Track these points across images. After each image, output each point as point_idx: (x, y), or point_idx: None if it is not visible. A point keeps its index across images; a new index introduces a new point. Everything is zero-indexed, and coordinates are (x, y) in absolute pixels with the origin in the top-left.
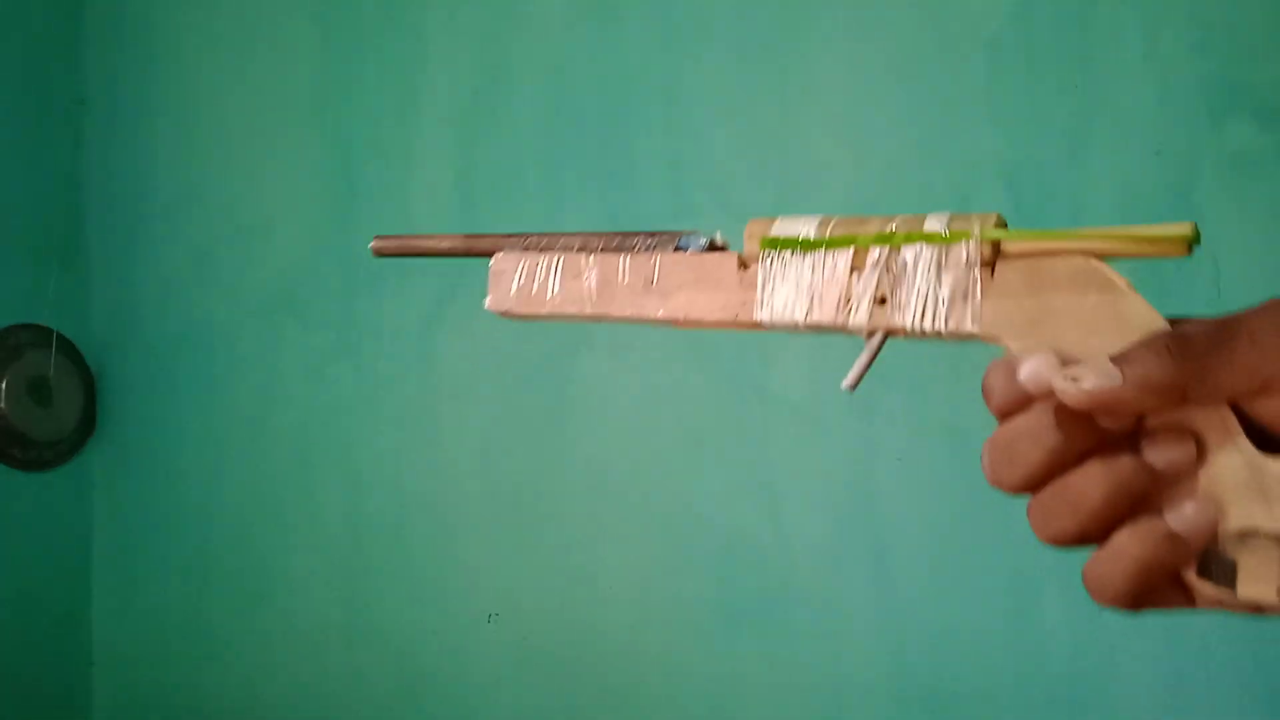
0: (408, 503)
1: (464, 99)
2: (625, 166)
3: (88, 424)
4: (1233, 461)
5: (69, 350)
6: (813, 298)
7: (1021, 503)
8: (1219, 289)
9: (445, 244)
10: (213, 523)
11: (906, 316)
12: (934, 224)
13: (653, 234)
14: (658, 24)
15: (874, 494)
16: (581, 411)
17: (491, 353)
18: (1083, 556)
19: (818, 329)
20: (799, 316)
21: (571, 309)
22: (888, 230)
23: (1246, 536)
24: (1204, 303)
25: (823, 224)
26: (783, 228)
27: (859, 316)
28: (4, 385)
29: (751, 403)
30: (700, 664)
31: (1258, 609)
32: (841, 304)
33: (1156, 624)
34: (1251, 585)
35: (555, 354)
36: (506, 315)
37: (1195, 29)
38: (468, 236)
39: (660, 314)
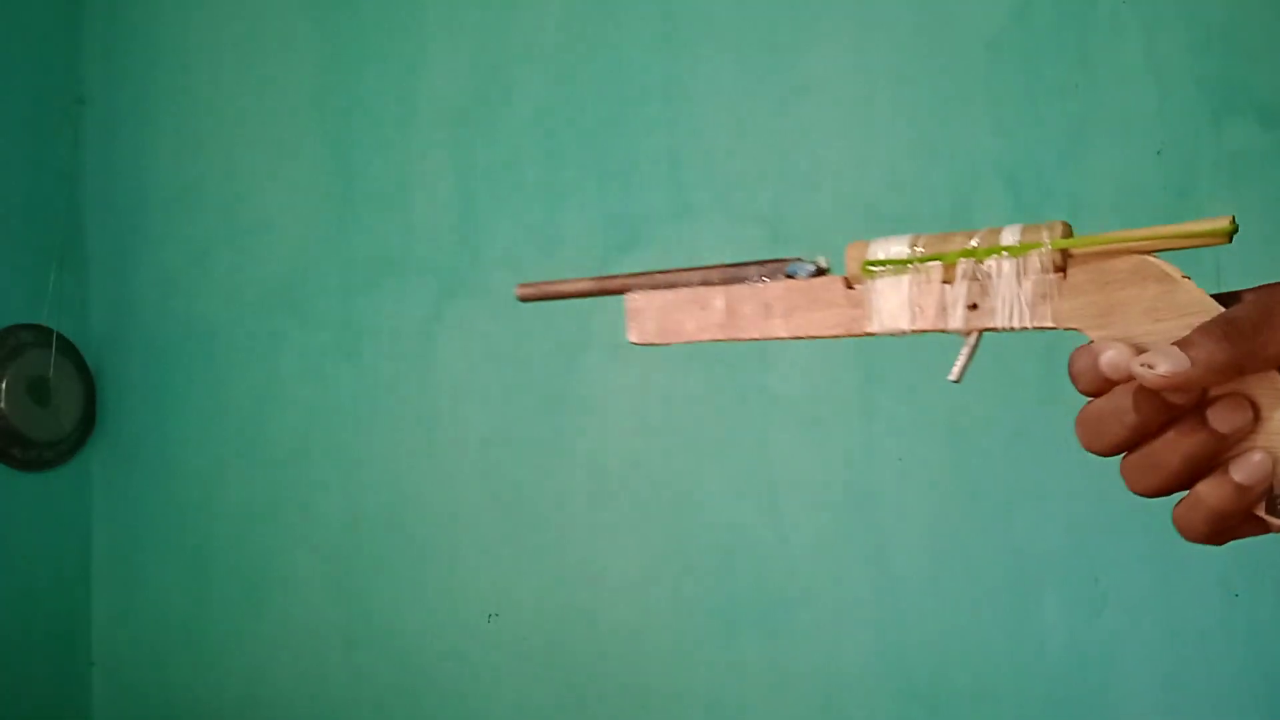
0: (408, 503)
1: (464, 99)
2: (625, 166)
3: (88, 424)
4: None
5: (69, 350)
6: (914, 308)
7: (1020, 503)
8: (1219, 287)
9: (580, 286)
10: (213, 523)
11: (997, 318)
12: (1009, 236)
13: (763, 263)
14: (658, 24)
15: (874, 494)
16: (581, 411)
17: (491, 353)
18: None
19: (921, 333)
20: (905, 325)
21: (705, 336)
22: (970, 245)
23: None
24: None
25: (913, 243)
26: (878, 249)
27: (955, 321)
28: (4, 385)
29: (751, 403)
30: (700, 664)
31: None
32: (939, 312)
33: (1156, 624)
34: None
35: (555, 354)
36: (649, 345)
37: (1195, 29)
38: (599, 279)
39: (783, 333)
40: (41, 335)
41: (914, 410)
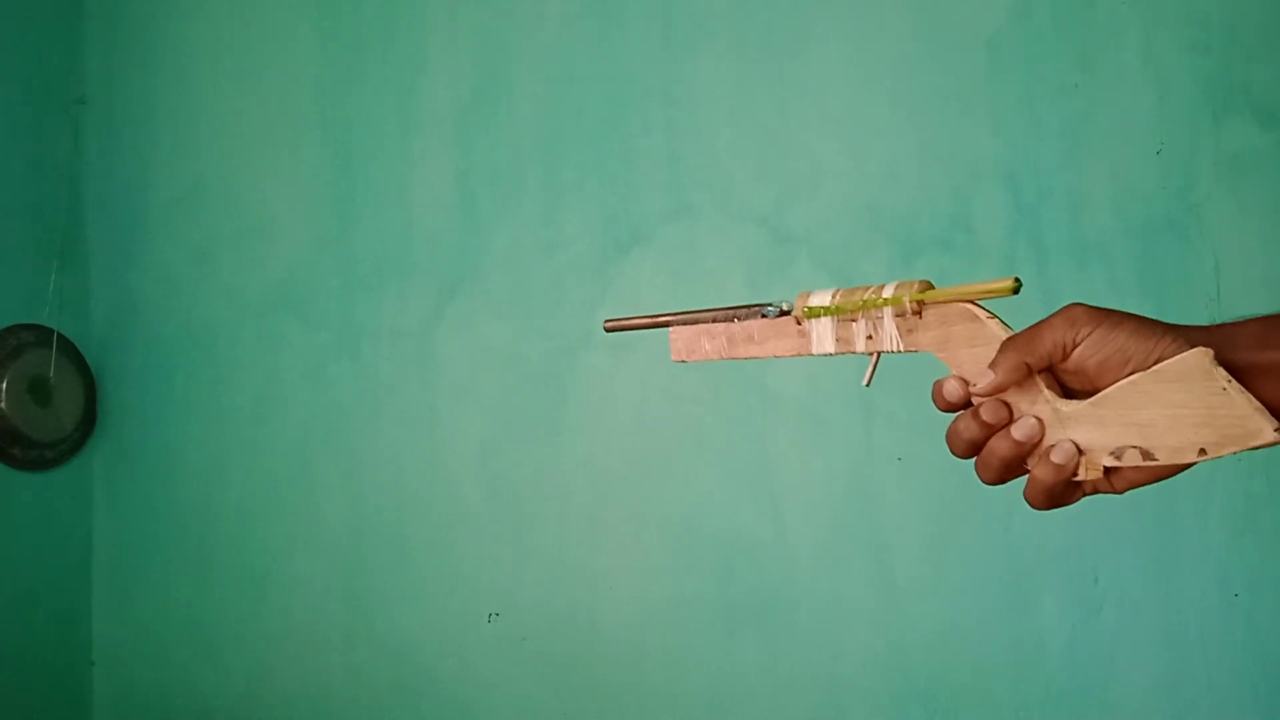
0: (408, 503)
1: (464, 99)
2: (625, 166)
3: (88, 424)
4: (1045, 410)
5: (69, 350)
6: (836, 338)
7: (1020, 503)
8: (1218, 286)
9: (643, 321)
10: (213, 523)
11: (883, 344)
12: (889, 290)
13: (749, 306)
14: (658, 24)
15: (874, 494)
16: (581, 411)
17: (491, 353)
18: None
19: (841, 354)
20: (831, 349)
21: (715, 356)
22: (866, 298)
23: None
24: (1205, 298)
25: (834, 295)
26: (814, 300)
27: (860, 346)
28: (4, 385)
29: (751, 403)
30: (700, 663)
31: (1107, 474)
32: (850, 340)
33: (1156, 624)
34: (1087, 471)
35: (555, 354)
36: (682, 361)
37: (1195, 29)
38: (653, 316)
39: (759, 354)
40: (42, 335)
41: (914, 410)
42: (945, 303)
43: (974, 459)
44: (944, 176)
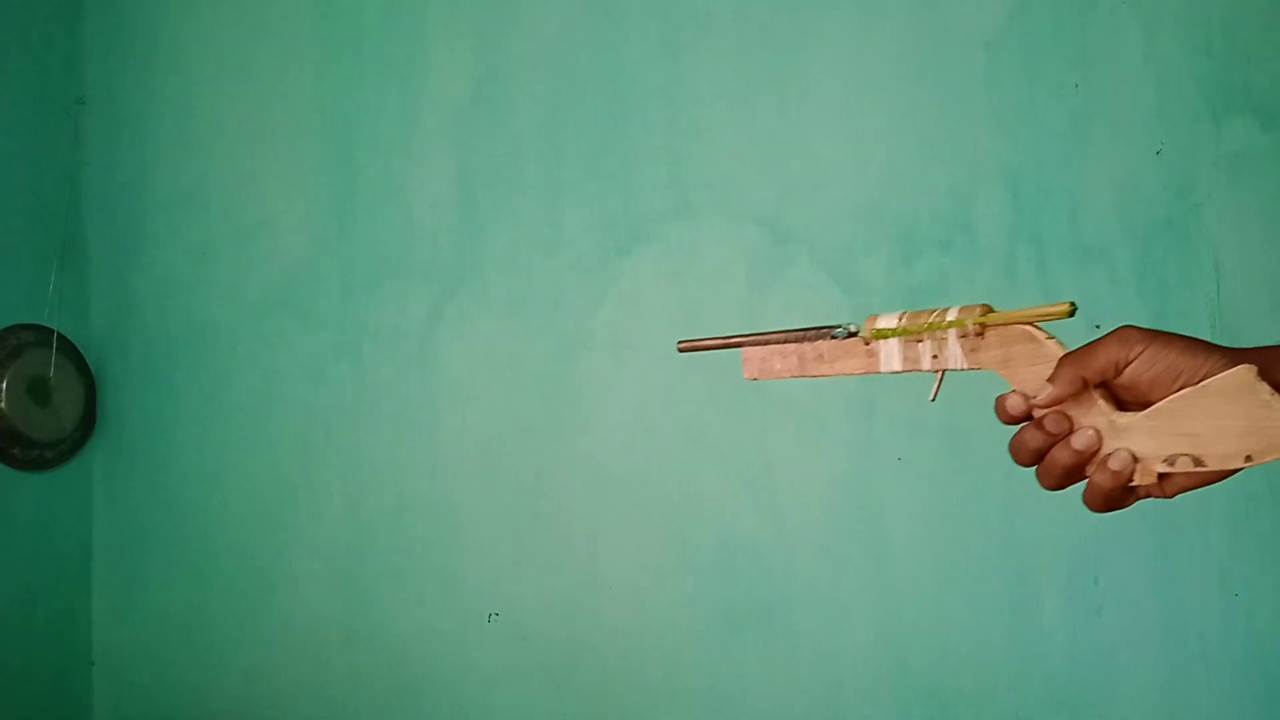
0: (407, 503)
1: (464, 99)
2: (625, 166)
3: (88, 424)
4: (1102, 421)
5: (69, 350)
6: (903, 357)
7: (1019, 503)
8: (1218, 286)
9: (716, 342)
10: (213, 523)
11: (948, 363)
12: (953, 313)
13: (820, 328)
14: (658, 24)
15: (874, 494)
16: (581, 411)
17: (491, 353)
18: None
19: (909, 372)
20: (898, 367)
21: (787, 374)
22: (931, 320)
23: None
24: (1205, 298)
25: (900, 317)
26: (882, 322)
27: (926, 364)
28: (4, 385)
29: (751, 403)
30: (700, 664)
31: (1160, 480)
32: (917, 359)
33: (1156, 624)
34: (1142, 477)
35: (555, 354)
36: (755, 379)
37: (1195, 29)
38: (726, 338)
39: (829, 373)
40: (42, 335)
41: (914, 410)
42: (1005, 325)
43: (1035, 467)
44: (944, 176)
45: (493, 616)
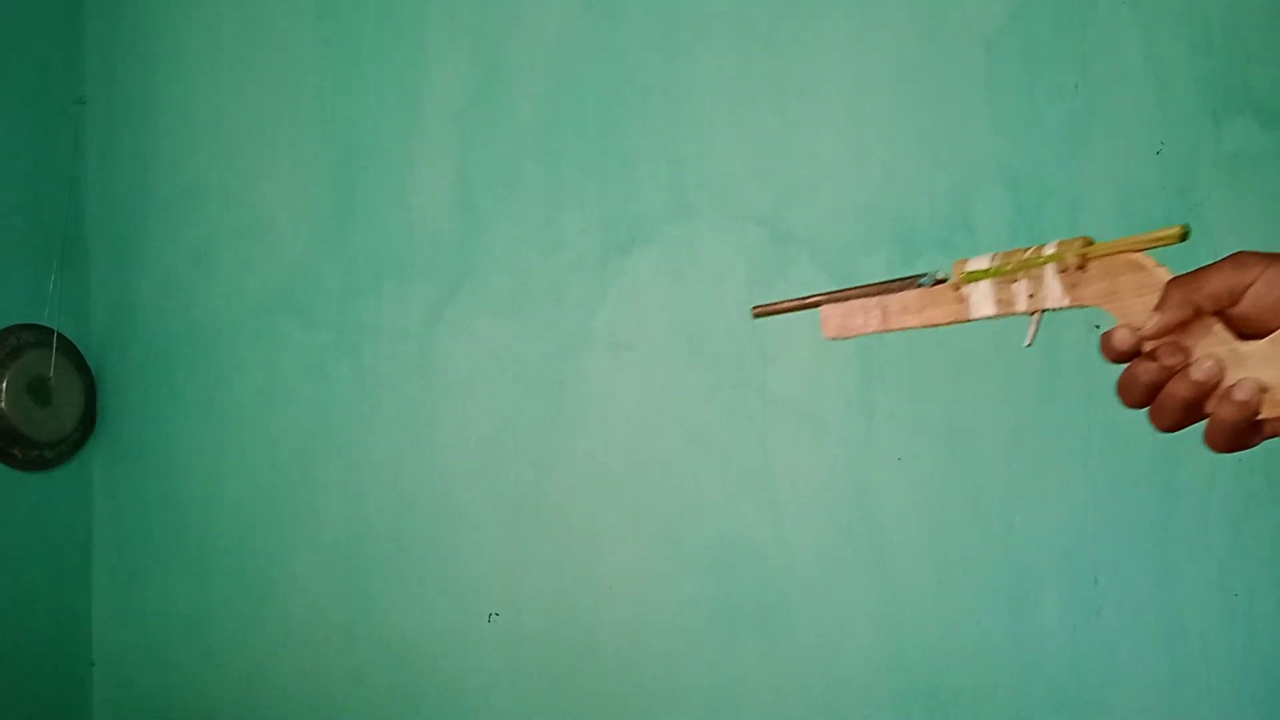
0: (407, 503)
1: (464, 99)
2: (625, 166)
3: (88, 424)
4: (1223, 350)
5: (69, 350)
6: (996, 300)
7: (1019, 503)
8: None
9: (794, 304)
10: (213, 523)
11: (1047, 301)
12: (1050, 248)
13: (903, 279)
14: (658, 24)
15: (874, 494)
16: (581, 411)
17: (491, 353)
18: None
19: (1002, 316)
20: (991, 311)
21: (870, 330)
22: (1025, 258)
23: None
24: None
25: (993, 258)
26: (972, 264)
27: (1021, 305)
28: (4, 385)
29: (751, 403)
30: (700, 664)
31: None
32: (1011, 301)
33: (1156, 624)
34: (1271, 409)
35: (555, 354)
36: (835, 338)
37: (1195, 29)
38: (800, 299)
39: (917, 323)
40: (42, 335)
41: (914, 410)
42: (1112, 254)
43: (1148, 409)
44: (944, 176)
45: (493, 616)
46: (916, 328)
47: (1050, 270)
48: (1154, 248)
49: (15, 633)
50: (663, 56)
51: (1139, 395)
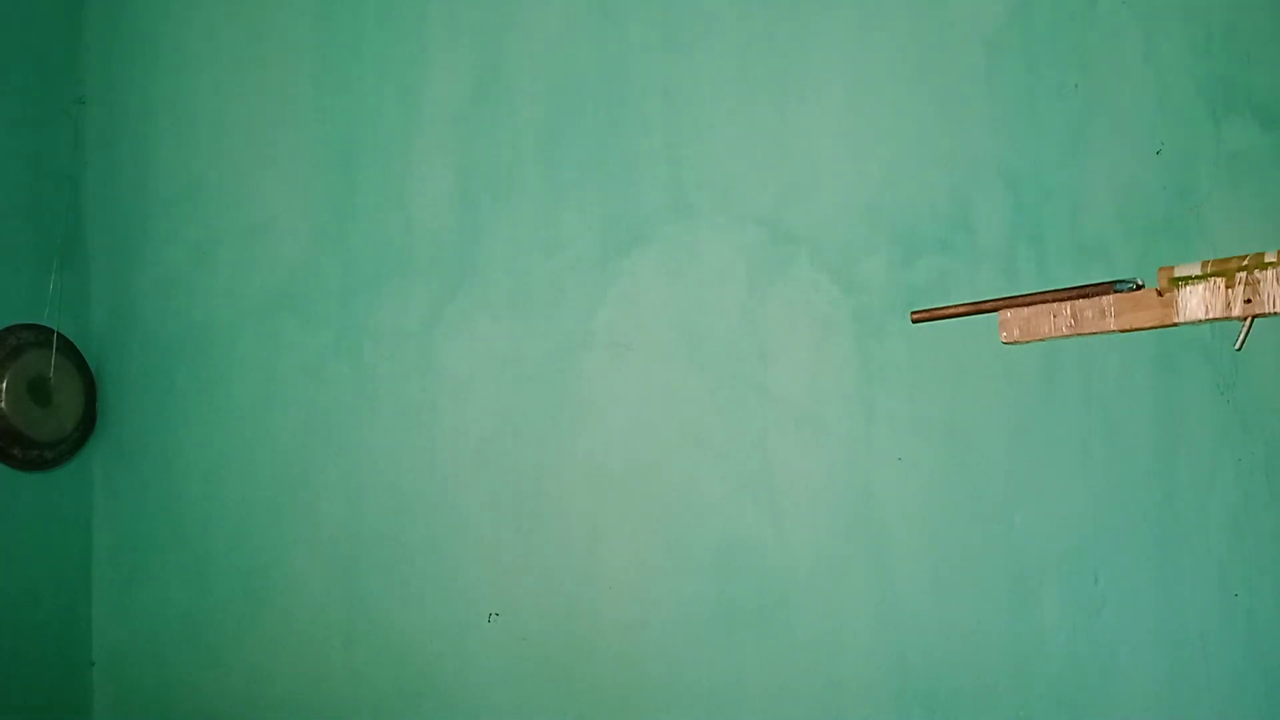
0: (407, 503)
1: (464, 99)
2: (625, 166)
3: (88, 424)
4: None
5: (69, 350)
6: (1207, 304)
7: (1019, 503)
8: None
9: (964, 309)
10: (213, 522)
11: (1265, 305)
12: (1271, 256)
13: (1098, 285)
14: (658, 23)
15: (874, 494)
16: (581, 411)
17: (491, 353)
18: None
19: (1213, 320)
20: (1200, 314)
21: (1056, 334)
22: (1244, 263)
23: None
24: None
25: (1203, 265)
26: (1181, 270)
27: (1236, 310)
28: (4, 385)
29: (751, 403)
30: (700, 664)
31: None
32: (1225, 305)
33: (1156, 624)
34: None
35: (555, 354)
36: (1015, 343)
37: (1195, 29)
38: (974, 304)
39: (1114, 327)
40: (42, 335)
41: (914, 410)
42: None
43: None
44: (944, 176)
45: (493, 616)
46: (1111, 332)
47: (1271, 276)
48: None
49: (15, 633)
50: (663, 56)
51: None
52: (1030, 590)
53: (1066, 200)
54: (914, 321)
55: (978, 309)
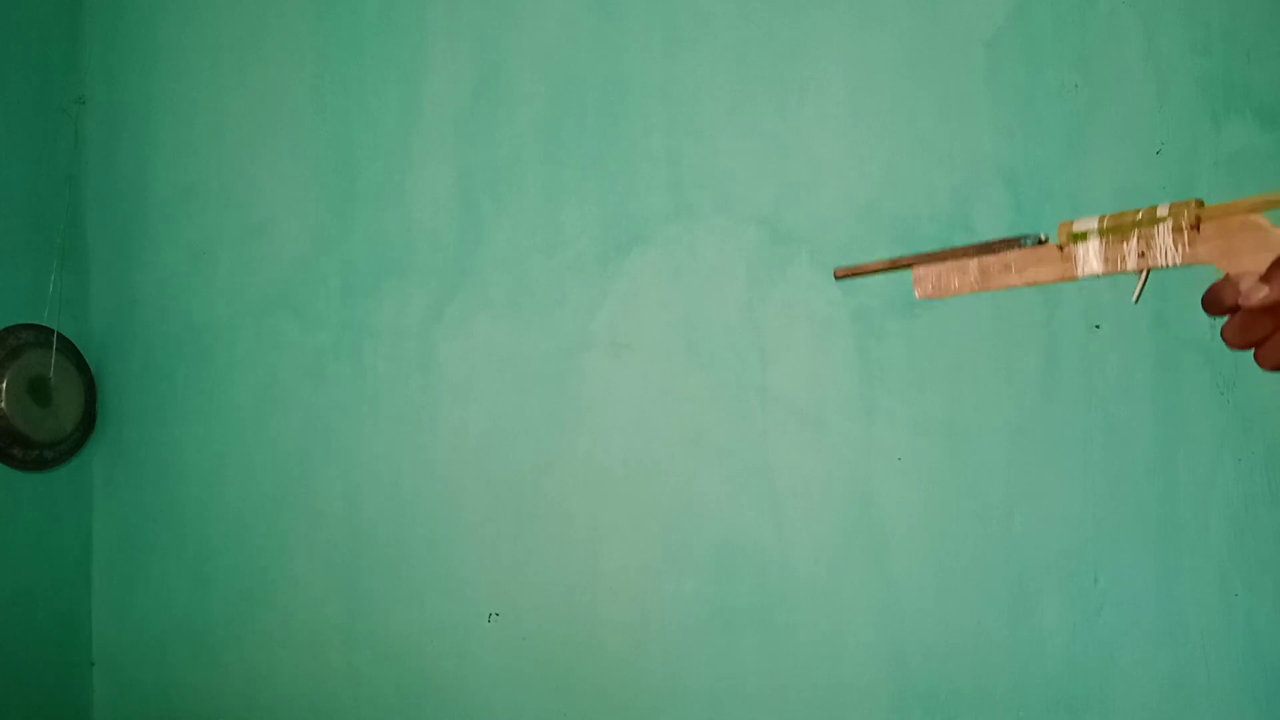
0: (407, 502)
1: (464, 99)
2: (625, 166)
3: (88, 424)
4: None
5: (69, 350)
6: (1105, 257)
7: (1019, 503)
8: None
9: (883, 265)
10: (213, 523)
11: (1158, 259)
12: (1163, 210)
13: (1004, 240)
14: (658, 23)
15: (874, 494)
16: (581, 411)
17: (491, 353)
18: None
19: (1109, 274)
20: (1098, 268)
21: (966, 290)
22: (1138, 218)
23: None
24: None
25: (1100, 220)
26: (1080, 225)
27: (1131, 263)
28: (4, 385)
29: (751, 403)
30: (700, 664)
31: None
32: (1121, 259)
33: (1156, 624)
34: None
35: (555, 354)
36: (929, 299)
37: (1195, 29)
38: (892, 260)
39: (1017, 282)
40: (42, 335)
41: (914, 410)
42: (1226, 214)
43: (1256, 350)
44: (944, 176)
45: (493, 616)
46: (1019, 286)
47: (1164, 229)
48: (1271, 209)
49: (15, 633)
50: (663, 56)
51: (1243, 344)
52: (1030, 590)
53: (1066, 200)
54: (837, 278)
55: (895, 265)
